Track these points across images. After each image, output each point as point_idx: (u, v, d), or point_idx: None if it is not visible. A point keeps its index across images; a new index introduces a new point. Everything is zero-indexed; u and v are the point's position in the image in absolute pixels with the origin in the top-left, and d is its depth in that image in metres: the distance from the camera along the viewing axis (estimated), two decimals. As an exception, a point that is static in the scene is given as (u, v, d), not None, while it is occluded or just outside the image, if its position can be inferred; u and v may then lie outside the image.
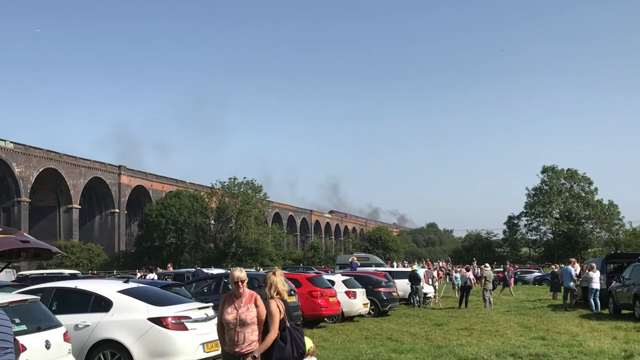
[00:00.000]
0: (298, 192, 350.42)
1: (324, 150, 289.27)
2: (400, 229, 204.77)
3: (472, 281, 31.58)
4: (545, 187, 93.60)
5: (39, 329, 9.37)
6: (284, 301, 7.52)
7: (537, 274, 63.06)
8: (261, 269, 58.44)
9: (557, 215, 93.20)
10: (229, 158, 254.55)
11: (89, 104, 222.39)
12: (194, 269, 31.88)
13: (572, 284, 27.20)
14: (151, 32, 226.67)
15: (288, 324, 7.44)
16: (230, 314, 7.56)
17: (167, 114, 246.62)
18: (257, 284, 16.24)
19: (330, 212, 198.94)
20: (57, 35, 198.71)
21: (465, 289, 29.67)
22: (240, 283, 7.68)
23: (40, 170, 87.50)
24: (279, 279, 7.56)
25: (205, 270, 34.00)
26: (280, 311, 7.37)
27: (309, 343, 7.93)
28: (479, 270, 38.52)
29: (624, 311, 22.85)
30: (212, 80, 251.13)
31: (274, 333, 7.27)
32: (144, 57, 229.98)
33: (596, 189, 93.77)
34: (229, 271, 10.84)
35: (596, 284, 24.86)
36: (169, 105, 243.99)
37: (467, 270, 34.00)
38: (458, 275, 35.05)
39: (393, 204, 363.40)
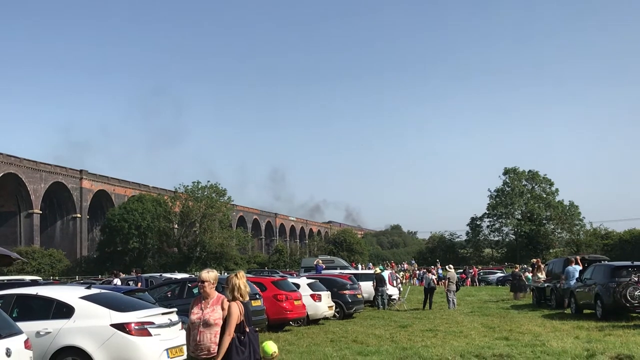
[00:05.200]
0: (247, 193, 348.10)
1: (270, 139, 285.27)
2: (364, 231, 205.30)
3: (435, 282, 31.85)
4: (507, 189, 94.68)
5: (-1, 337, 9.18)
6: (245, 304, 7.53)
7: (499, 274, 63.94)
8: (225, 273, 58.16)
9: (519, 216, 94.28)
10: (180, 162, 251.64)
11: (34, 105, 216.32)
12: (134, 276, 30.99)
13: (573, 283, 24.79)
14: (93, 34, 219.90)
15: (247, 329, 7.44)
16: (195, 314, 7.63)
17: (113, 117, 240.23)
18: (221, 287, 16.12)
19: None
20: (5, 33, 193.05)
21: (428, 290, 29.84)
22: (200, 284, 7.74)
23: (0, 175, 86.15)
24: (242, 281, 7.57)
25: (150, 275, 33.24)
26: (240, 314, 7.38)
27: (273, 347, 7.90)
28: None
29: (585, 311, 23.16)
30: (163, 81, 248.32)
31: (229, 335, 7.27)
32: (88, 60, 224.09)
33: (557, 190, 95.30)
34: (193, 276, 10.84)
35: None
36: (114, 109, 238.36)
37: (429, 271, 34.28)
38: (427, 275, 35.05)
39: (343, 200, 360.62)
